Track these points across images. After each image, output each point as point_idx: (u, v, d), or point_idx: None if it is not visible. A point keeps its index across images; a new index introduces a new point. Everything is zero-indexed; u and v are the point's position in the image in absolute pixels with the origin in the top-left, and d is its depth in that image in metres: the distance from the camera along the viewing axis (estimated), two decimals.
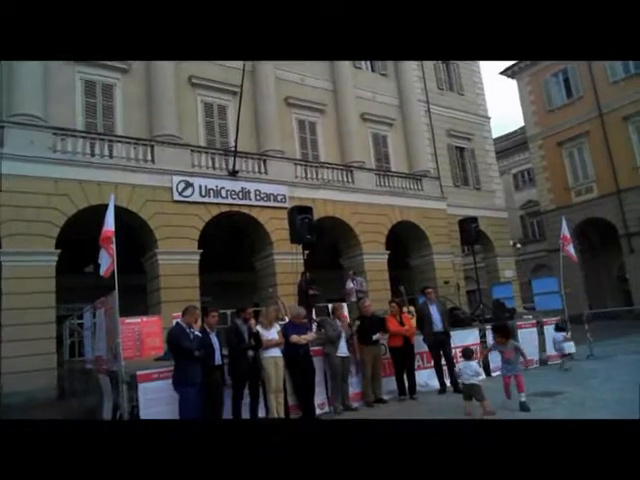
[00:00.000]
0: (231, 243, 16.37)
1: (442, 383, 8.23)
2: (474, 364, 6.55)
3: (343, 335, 7.58)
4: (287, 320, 8.04)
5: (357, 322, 8.07)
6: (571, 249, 11.83)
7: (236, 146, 13.82)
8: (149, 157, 13.30)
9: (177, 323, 5.99)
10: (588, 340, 11.14)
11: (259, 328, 6.86)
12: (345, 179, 16.97)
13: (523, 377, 6.57)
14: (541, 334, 10.77)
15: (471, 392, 6.31)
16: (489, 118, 24.36)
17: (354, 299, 11.26)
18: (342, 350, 7.49)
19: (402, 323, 8.02)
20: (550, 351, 10.67)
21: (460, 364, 6.93)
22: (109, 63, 14.02)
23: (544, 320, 11.04)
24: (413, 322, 8.45)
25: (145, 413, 5.84)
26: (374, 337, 7.71)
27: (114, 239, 6.30)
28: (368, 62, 20.43)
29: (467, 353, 6.74)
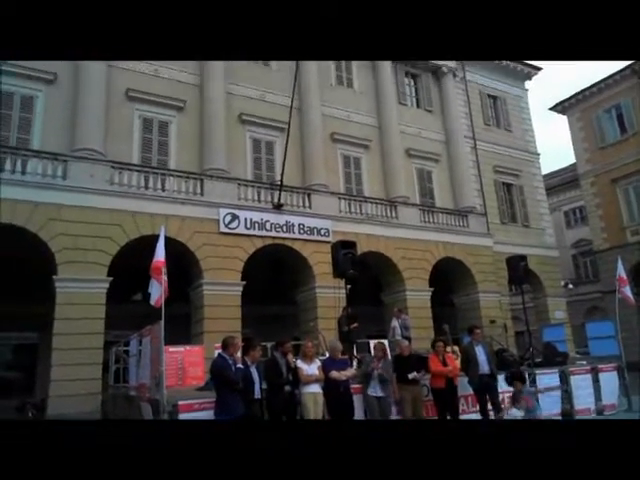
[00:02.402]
0: (273, 275, 16.52)
1: None
2: (519, 412, 6.43)
3: (376, 374, 7.24)
4: (327, 355, 7.94)
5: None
6: (628, 291, 11.22)
7: (282, 180, 14.13)
8: (199, 190, 13.81)
9: (219, 354, 6.01)
10: None
11: (299, 363, 6.80)
12: (389, 214, 16.93)
13: None
14: (596, 381, 10.12)
15: None
16: (538, 154, 23.84)
17: (398, 337, 10.99)
18: (373, 390, 7.20)
19: (445, 363, 7.75)
20: (606, 400, 10.02)
21: (511, 411, 6.65)
22: (166, 101, 14.84)
23: (599, 367, 10.40)
24: (457, 363, 8.15)
25: None
26: (410, 376, 7.43)
27: (164, 269, 6.49)
28: (414, 98, 20.64)
29: (516, 398, 6.58)
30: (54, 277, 11.43)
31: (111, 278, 11.96)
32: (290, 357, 6.74)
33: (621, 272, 11.29)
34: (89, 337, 11.18)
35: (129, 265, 11.71)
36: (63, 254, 11.56)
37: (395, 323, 11.99)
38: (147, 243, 9.56)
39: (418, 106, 20.61)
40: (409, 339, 11.23)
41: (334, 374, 6.82)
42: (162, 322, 6.33)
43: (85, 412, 10.59)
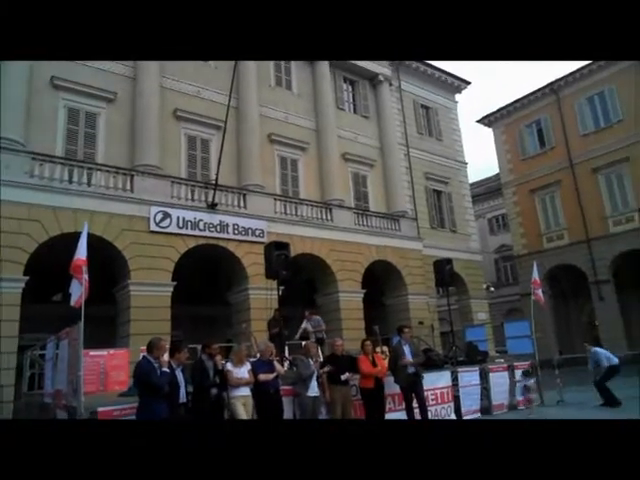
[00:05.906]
0: (205, 276, 16.18)
1: None
2: None
3: (316, 374, 7.45)
4: (258, 357, 7.90)
5: (327, 365, 7.85)
6: (539, 292, 12.10)
7: (217, 179, 13.86)
8: (128, 186, 13.24)
9: (144, 357, 5.78)
10: (558, 385, 11.21)
11: (229, 366, 6.71)
12: (324, 217, 17.12)
13: None
14: (512, 378, 10.82)
15: None
16: (466, 164, 25.10)
17: (313, 339, 10.98)
18: (313, 390, 7.34)
19: (375, 364, 7.95)
20: (520, 396, 10.72)
21: None
22: (95, 92, 14.12)
23: (515, 364, 11.12)
24: (385, 363, 8.38)
25: None
26: (343, 377, 7.58)
27: (85, 268, 6.18)
28: (351, 104, 21.02)
29: None
30: None
31: (27, 277, 11.19)
32: (218, 359, 6.63)
33: (535, 276, 12.16)
34: (1, 340, 10.39)
35: (49, 263, 11.01)
36: None
37: (306, 325, 11.89)
38: (70, 241, 9.03)
39: (355, 112, 21.01)
40: (322, 340, 11.35)
41: (262, 377, 6.79)
42: (81, 323, 6.02)
43: None
